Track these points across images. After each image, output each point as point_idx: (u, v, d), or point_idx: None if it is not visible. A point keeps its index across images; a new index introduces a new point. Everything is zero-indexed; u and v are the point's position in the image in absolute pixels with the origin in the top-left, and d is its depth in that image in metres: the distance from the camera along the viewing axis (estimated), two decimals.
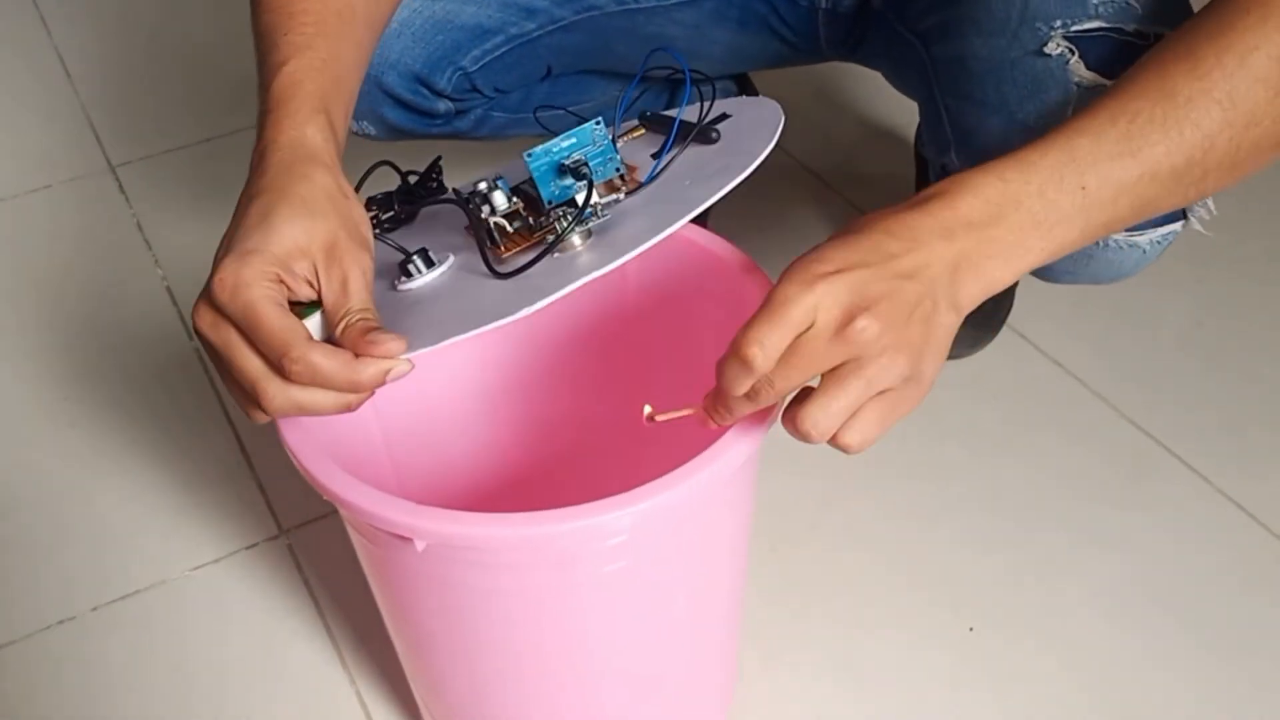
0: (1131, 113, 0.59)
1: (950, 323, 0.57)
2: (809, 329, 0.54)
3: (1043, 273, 0.81)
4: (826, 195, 1.36)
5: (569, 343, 0.83)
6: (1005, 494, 1.03)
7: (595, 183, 0.64)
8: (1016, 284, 1.16)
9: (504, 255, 0.66)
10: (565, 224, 0.63)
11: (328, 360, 0.57)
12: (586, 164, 0.64)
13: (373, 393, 0.59)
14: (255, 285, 0.57)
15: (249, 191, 0.62)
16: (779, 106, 0.70)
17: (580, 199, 0.63)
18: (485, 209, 0.66)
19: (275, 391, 0.58)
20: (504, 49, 0.93)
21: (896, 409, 0.57)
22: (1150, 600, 0.94)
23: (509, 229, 0.66)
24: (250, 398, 0.59)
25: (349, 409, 0.59)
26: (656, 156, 0.69)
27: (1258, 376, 1.12)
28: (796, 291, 0.54)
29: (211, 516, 1.05)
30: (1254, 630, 0.92)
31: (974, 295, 0.58)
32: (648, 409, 0.62)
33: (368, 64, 0.73)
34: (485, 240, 0.66)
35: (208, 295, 0.58)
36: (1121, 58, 0.72)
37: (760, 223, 1.31)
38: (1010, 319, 1.18)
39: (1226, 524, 0.99)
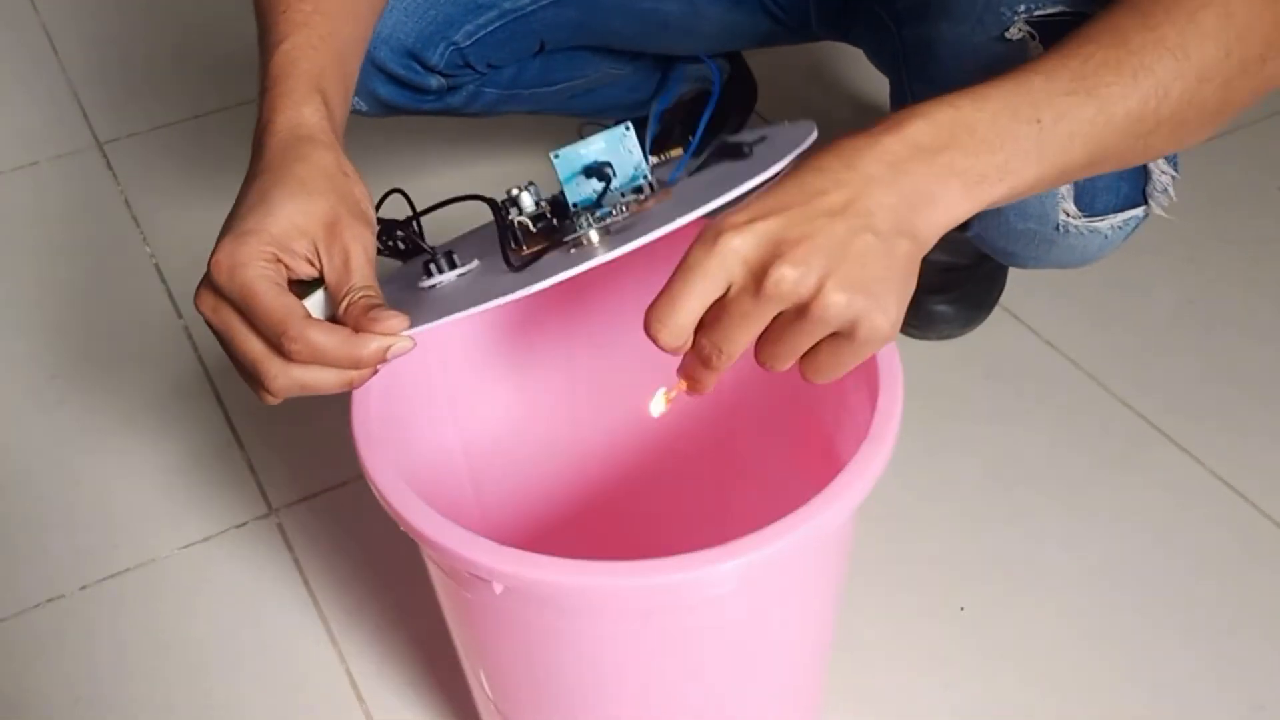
0: (1084, 55, 0.57)
1: (906, 250, 0.53)
2: (730, 290, 0.52)
3: (1007, 258, 0.80)
4: None
5: (655, 359, 0.82)
6: (996, 474, 1.03)
7: (622, 189, 0.63)
8: (1007, 267, 1.16)
9: (524, 254, 0.64)
10: (587, 223, 0.62)
11: (327, 337, 0.56)
12: (610, 164, 0.63)
13: (376, 370, 0.58)
14: (251, 265, 0.56)
15: (248, 175, 0.61)
16: (814, 127, 0.69)
17: (600, 193, 0.63)
18: (513, 210, 0.65)
19: (277, 371, 0.57)
20: (497, 24, 0.92)
21: (856, 350, 0.53)
22: (1141, 579, 0.94)
23: (532, 229, 0.65)
24: (255, 379, 0.58)
25: (351, 386, 0.58)
26: (691, 173, 0.67)
27: (1248, 356, 1.12)
28: (701, 256, 0.52)
29: (200, 495, 1.04)
30: (1244, 609, 0.92)
31: (934, 223, 0.54)
32: (656, 403, 0.60)
33: (369, 40, 0.72)
34: (507, 239, 0.65)
35: (207, 278, 0.58)
36: None
37: None
38: (1002, 299, 1.17)
39: (1217, 504, 1.00)
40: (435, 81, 0.93)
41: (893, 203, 0.53)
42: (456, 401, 0.78)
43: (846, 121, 1.44)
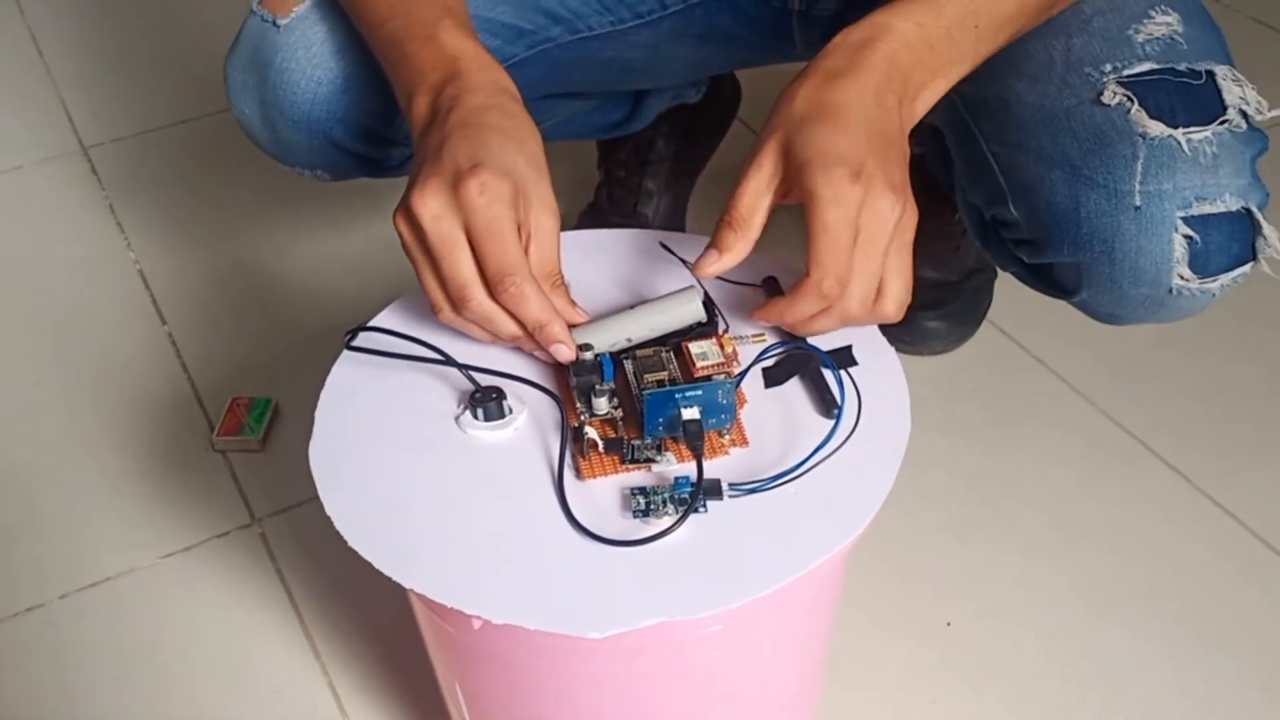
0: None
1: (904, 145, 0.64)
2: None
3: (1110, 319, 0.79)
4: None
5: None
6: (984, 489, 1.02)
7: (704, 430, 0.61)
8: (994, 278, 1.16)
9: (583, 477, 0.62)
10: (663, 499, 0.60)
11: (538, 298, 0.62)
12: (700, 435, 0.60)
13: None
14: (507, 204, 0.61)
15: (464, 118, 0.64)
16: (901, 375, 0.67)
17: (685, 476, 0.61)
18: (581, 404, 0.63)
19: (481, 299, 0.62)
20: None
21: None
22: (1128, 596, 0.94)
23: (600, 446, 0.62)
24: (450, 298, 0.63)
25: (513, 340, 0.65)
26: (769, 383, 0.66)
27: (1235, 374, 1.13)
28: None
29: (183, 504, 1.03)
30: (1231, 626, 0.92)
31: (916, 117, 0.66)
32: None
33: None
34: (567, 446, 0.62)
35: (455, 186, 0.60)
36: (1182, 102, 0.70)
37: None
38: (991, 314, 1.17)
39: (1204, 521, 1.00)
40: (397, 153, 0.90)
41: (896, 108, 0.64)
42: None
43: None
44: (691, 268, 0.64)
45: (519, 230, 0.62)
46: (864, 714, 0.88)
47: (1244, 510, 1.00)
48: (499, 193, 0.60)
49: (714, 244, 0.64)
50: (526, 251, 0.63)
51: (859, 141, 0.61)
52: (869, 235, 0.60)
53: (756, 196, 0.63)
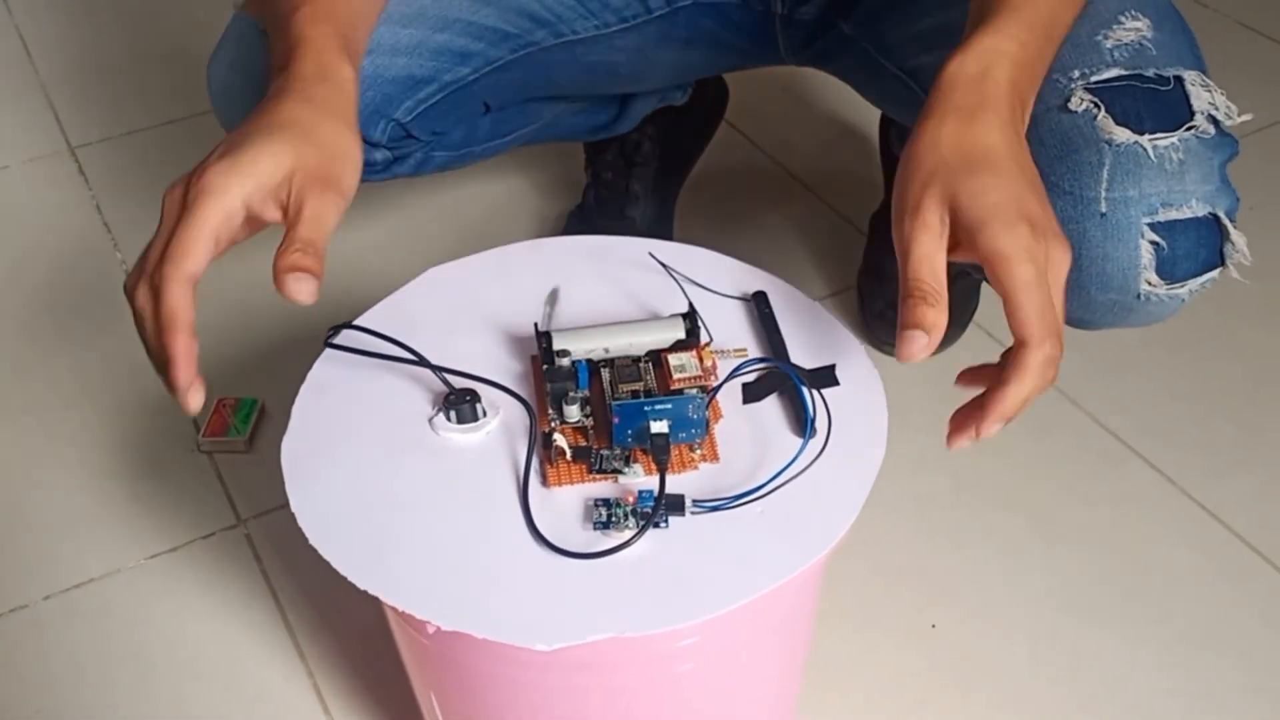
0: None
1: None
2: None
3: (1081, 325, 0.78)
4: (796, 191, 1.35)
5: None
6: (969, 490, 1.03)
7: (670, 444, 0.61)
8: (981, 282, 1.16)
9: (549, 484, 0.61)
10: (625, 512, 0.59)
11: (148, 303, 0.62)
12: (666, 449, 0.60)
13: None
14: (218, 199, 0.61)
15: (274, 91, 0.65)
16: (883, 398, 0.66)
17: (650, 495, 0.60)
18: (553, 411, 0.63)
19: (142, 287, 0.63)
20: (438, 96, 0.88)
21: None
22: (1114, 597, 0.94)
23: (568, 454, 0.61)
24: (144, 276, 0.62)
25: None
26: (748, 398, 0.65)
27: (1220, 376, 1.13)
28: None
29: (168, 505, 1.03)
30: (1216, 628, 0.92)
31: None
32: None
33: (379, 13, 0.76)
34: (535, 452, 0.62)
35: (187, 176, 0.61)
36: (1149, 108, 0.70)
37: (730, 220, 1.31)
38: (977, 317, 1.18)
39: (1189, 523, 1.00)
40: (380, 155, 0.89)
41: (1019, 140, 0.61)
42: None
43: (822, 136, 1.43)
44: (896, 354, 0.58)
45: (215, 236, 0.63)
46: (848, 715, 0.88)
47: (1228, 512, 1.00)
48: (214, 186, 0.61)
49: (913, 323, 0.56)
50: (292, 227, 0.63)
51: (1024, 190, 0.58)
52: (1056, 286, 0.58)
53: (936, 260, 0.58)
